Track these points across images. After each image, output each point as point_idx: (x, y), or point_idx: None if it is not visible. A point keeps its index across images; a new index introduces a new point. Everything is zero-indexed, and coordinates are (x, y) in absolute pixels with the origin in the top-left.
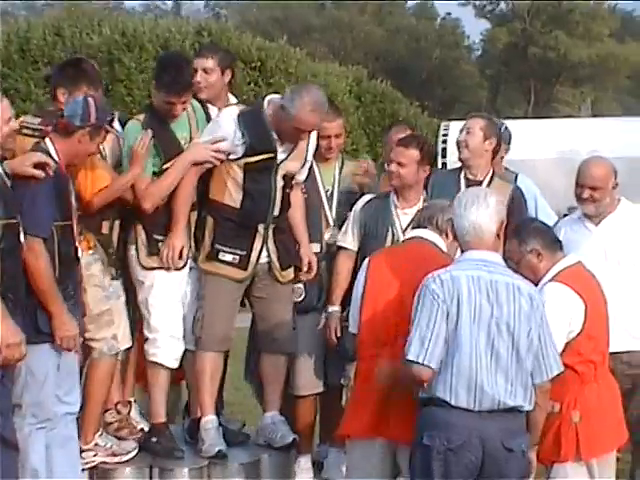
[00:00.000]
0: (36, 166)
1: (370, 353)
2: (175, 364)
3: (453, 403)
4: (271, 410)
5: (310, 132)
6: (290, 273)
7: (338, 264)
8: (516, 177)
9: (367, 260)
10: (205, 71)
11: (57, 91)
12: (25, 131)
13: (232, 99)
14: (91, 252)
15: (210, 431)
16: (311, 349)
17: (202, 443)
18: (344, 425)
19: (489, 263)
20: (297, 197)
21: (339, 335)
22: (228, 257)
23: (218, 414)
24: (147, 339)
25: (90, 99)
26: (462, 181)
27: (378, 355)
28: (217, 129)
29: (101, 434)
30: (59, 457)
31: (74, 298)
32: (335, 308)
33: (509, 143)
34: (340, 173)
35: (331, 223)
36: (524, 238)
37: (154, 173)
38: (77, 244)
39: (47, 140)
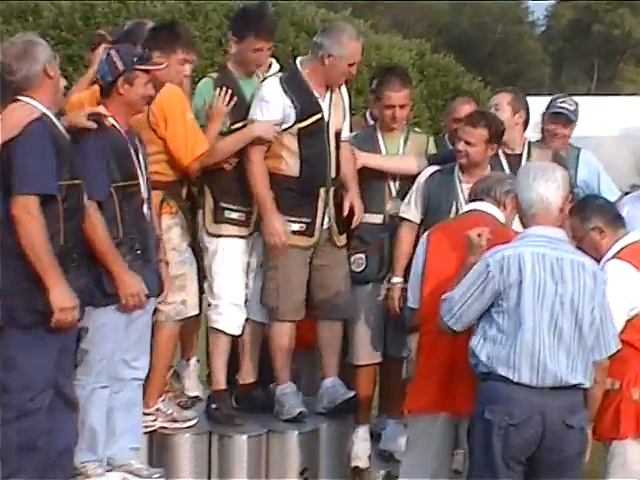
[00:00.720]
0: (90, 119)
1: (432, 327)
2: (237, 331)
3: (515, 380)
4: (330, 375)
5: (355, 66)
6: (344, 237)
7: (401, 235)
8: (579, 153)
9: (426, 234)
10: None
11: (152, 54)
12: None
13: (275, 65)
14: (172, 217)
15: (289, 395)
16: (371, 319)
17: (281, 407)
18: (408, 400)
19: (553, 240)
20: (348, 154)
21: (401, 307)
22: (295, 226)
23: (268, 381)
24: (209, 305)
25: (112, 51)
26: (502, 156)
27: (440, 329)
28: (265, 104)
29: (164, 399)
30: (121, 420)
31: (144, 257)
32: (398, 279)
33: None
34: (405, 145)
35: (394, 194)
36: (586, 216)
37: (221, 133)
38: (145, 204)
39: (100, 107)
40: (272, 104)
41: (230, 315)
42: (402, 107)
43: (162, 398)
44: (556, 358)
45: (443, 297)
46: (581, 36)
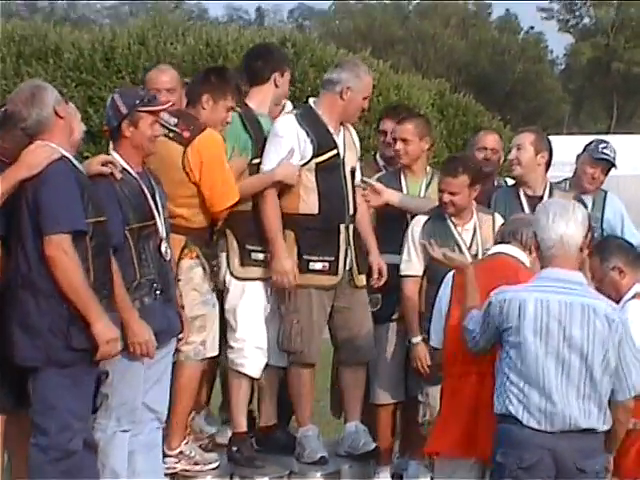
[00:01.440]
0: (103, 166)
1: (457, 370)
2: (259, 375)
3: (524, 422)
4: (353, 419)
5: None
6: (364, 278)
7: (408, 294)
8: (605, 194)
9: (451, 275)
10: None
11: (202, 97)
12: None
13: (289, 105)
14: (193, 259)
15: (311, 438)
16: (390, 358)
17: (302, 450)
18: (432, 443)
19: (567, 283)
20: (362, 200)
21: (429, 365)
22: (318, 265)
23: (288, 422)
24: (232, 348)
25: (115, 95)
26: (523, 198)
27: (465, 373)
28: (278, 139)
29: (187, 442)
30: (142, 463)
31: (164, 297)
32: (418, 338)
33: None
34: (427, 189)
35: None
36: (606, 256)
37: None
38: (164, 243)
39: (111, 151)
40: (285, 139)
41: (254, 358)
42: (404, 141)
43: (185, 441)
44: (565, 401)
45: (469, 315)
46: (600, 74)
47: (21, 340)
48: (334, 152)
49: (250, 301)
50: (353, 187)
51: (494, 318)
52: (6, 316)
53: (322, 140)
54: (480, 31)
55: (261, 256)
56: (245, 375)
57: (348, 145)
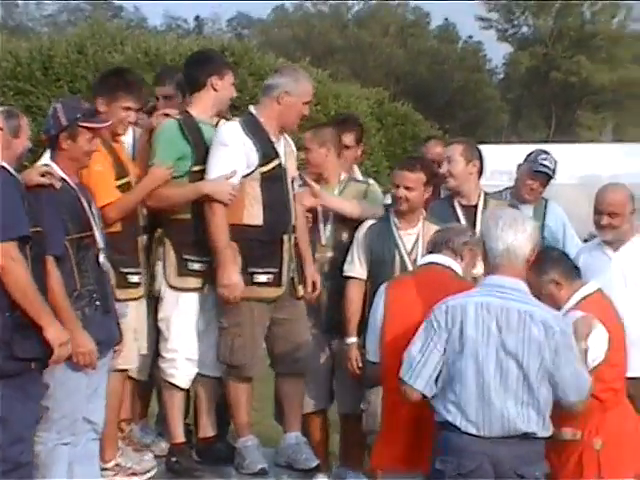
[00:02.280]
0: (42, 176)
1: (394, 385)
2: (188, 385)
3: (463, 429)
4: (293, 430)
5: (308, 105)
6: (301, 289)
7: (349, 295)
8: (546, 203)
9: (383, 287)
10: (166, 98)
11: (96, 101)
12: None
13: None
14: None
15: (250, 448)
16: (316, 367)
17: (242, 460)
18: (375, 457)
19: (507, 289)
20: (300, 209)
21: (360, 366)
22: (263, 278)
23: (226, 432)
24: (164, 358)
25: (58, 104)
26: (457, 208)
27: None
28: (224, 147)
29: (122, 454)
30: (80, 474)
31: (103, 307)
32: (353, 339)
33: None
34: (340, 194)
35: (323, 242)
36: (542, 268)
37: (181, 176)
38: (102, 254)
39: (49, 160)
40: (231, 147)
41: (185, 369)
42: (308, 150)
43: (120, 452)
44: (504, 405)
45: (405, 354)
46: (539, 83)
47: None
48: (277, 162)
49: (184, 311)
50: (294, 196)
51: (441, 329)
52: None
53: (266, 149)
54: (419, 40)
55: (197, 266)
56: (177, 386)
57: (288, 154)
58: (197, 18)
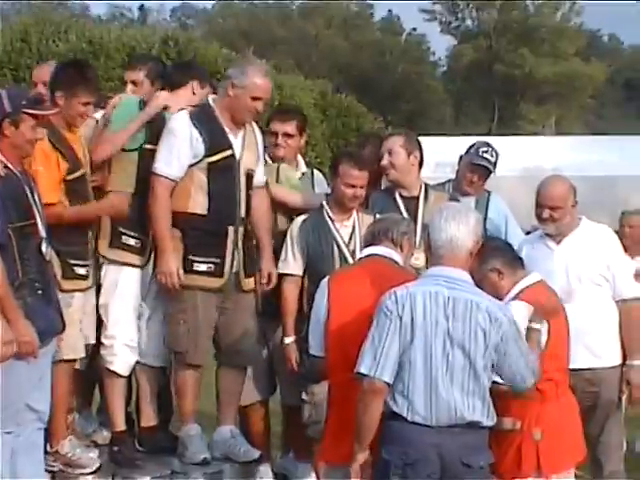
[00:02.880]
0: None
1: (343, 378)
2: (127, 372)
3: (409, 418)
4: (228, 423)
5: (261, 102)
6: (252, 282)
7: (286, 293)
8: (489, 195)
9: (325, 281)
10: (134, 83)
11: (54, 94)
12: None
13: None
14: None
15: (194, 438)
16: (256, 356)
17: (184, 450)
18: (323, 451)
19: (452, 279)
20: (262, 202)
21: (298, 363)
22: (203, 267)
23: (168, 421)
24: (103, 345)
25: (2, 91)
26: (399, 199)
27: (352, 380)
28: (172, 137)
29: (70, 440)
30: (23, 463)
31: (45, 297)
32: (292, 339)
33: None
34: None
35: None
36: (484, 257)
37: (134, 148)
38: (44, 243)
39: None
40: (178, 136)
41: (123, 356)
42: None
43: (68, 439)
44: (450, 394)
45: (359, 358)
46: (482, 76)
47: None
48: (229, 152)
49: (122, 298)
50: (248, 189)
51: (397, 318)
52: None
53: (215, 139)
54: (363, 32)
55: (132, 242)
56: (117, 373)
57: (248, 146)
58: (141, 7)
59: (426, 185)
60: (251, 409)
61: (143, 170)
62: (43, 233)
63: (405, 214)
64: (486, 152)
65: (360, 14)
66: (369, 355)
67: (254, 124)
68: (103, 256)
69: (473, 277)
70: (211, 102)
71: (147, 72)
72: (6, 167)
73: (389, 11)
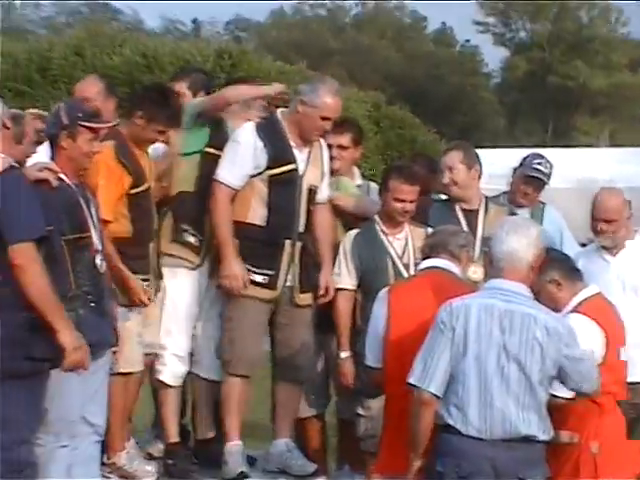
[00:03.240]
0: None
1: (400, 390)
2: (177, 383)
3: (463, 431)
4: (283, 436)
5: (329, 122)
6: (307, 297)
7: (339, 307)
8: (544, 207)
9: (384, 292)
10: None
11: (136, 113)
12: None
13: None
14: None
15: (235, 455)
16: (313, 372)
17: (225, 465)
18: (379, 463)
19: (510, 292)
20: (324, 217)
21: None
22: (258, 278)
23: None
24: (156, 355)
25: (61, 104)
26: (459, 212)
27: (409, 393)
28: (236, 146)
29: (128, 452)
30: (79, 476)
31: (97, 309)
32: (347, 353)
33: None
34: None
35: None
36: (542, 268)
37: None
38: (99, 255)
39: (47, 157)
40: (242, 145)
41: (172, 367)
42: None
43: (126, 450)
44: (505, 407)
45: (411, 372)
46: (536, 88)
47: None
48: (292, 166)
49: (174, 307)
50: (308, 204)
51: (450, 331)
52: None
53: (279, 152)
54: (416, 44)
55: (192, 239)
56: (167, 384)
57: (313, 161)
58: (195, 21)
59: (486, 198)
60: (308, 422)
61: (205, 172)
62: (98, 246)
63: (465, 227)
64: (540, 164)
65: (413, 26)
66: (419, 366)
67: (322, 140)
68: (165, 253)
69: (531, 288)
70: (279, 115)
71: (189, 83)
72: (60, 179)
73: (442, 23)
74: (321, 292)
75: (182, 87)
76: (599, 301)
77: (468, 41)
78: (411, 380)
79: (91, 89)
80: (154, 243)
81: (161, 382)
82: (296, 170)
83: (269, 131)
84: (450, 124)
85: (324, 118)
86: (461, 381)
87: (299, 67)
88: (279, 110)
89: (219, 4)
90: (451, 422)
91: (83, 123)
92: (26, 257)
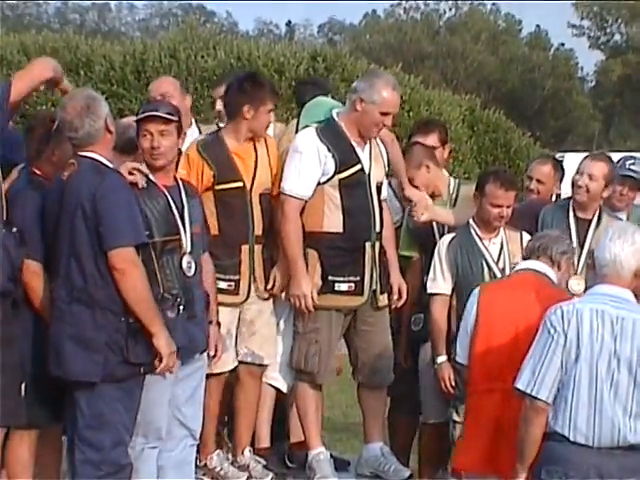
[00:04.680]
0: (130, 174)
1: (481, 388)
2: (286, 390)
3: (571, 439)
4: (376, 441)
5: (389, 117)
6: (386, 298)
7: (435, 313)
8: None
9: (477, 290)
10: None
11: (242, 108)
12: None
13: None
14: None
15: (322, 463)
16: (434, 377)
17: (312, 474)
18: (457, 458)
19: (617, 298)
20: (388, 215)
21: (452, 385)
22: (344, 286)
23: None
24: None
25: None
26: (572, 219)
27: (489, 390)
28: (299, 154)
29: (218, 454)
30: (172, 478)
31: (186, 312)
32: (444, 358)
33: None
34: (455, 200)
35: None
36: None
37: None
38: (186, 258)
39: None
40: (306, 154)
41: (285, 375)
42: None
43: (216, 453)
44: (615, 415)
45: (521, 368)
46: (631, 91)
47: (75, 355)
48: (358, 167)
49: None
50: (380, 203)
51: (559, 334)
52: (55, 331)
53: (344, 155)
54: (510, 47)
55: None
56: (276, 388)
57: (375, 159)
58: (289, 23)
59: (601, 207)
60: (430, 427)
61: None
62: (188, 248)
63: (574, 236)
64: (633, 164)
65: (508, 29)
66: (528, 371)
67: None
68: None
69: (637, 293)
70: (335, 117)
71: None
72: (149, 181)
73: (537, 26)
74: (395, 296)
75: (221, 92)
76: None
77: (563, 44)
78: (519, 385)
79: (167, 87)
80: (246, 246)
81: (271, 386)
82: (362, 170)
83: (330, 134)
84: (544, 128)
85: (383, 113)
86: (572, 387)
87: (394, 70)
88: (334, 111)
89: (313, 5)
90: (558, 429)
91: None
92: (128, 262)
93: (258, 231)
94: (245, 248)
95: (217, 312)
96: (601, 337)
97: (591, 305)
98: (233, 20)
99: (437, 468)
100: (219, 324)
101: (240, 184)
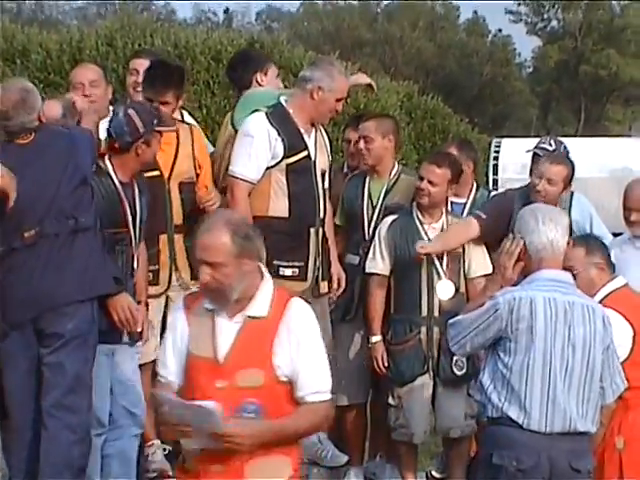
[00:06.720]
0: None
1: None
2: None
3: (525, 426)
4: None
5: (341, 102)
6: (326, 285)
7: (372, 292)
8: (572, 195)
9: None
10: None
11: (166, 95)
12: None
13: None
14: None
15: None
16: (349, 359)
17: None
18: None
19: (563, 284)
20: (328, 204)
21: (385, 364)
22: (288, 271)
23: None
24: None
25: (130, 110)
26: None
27: None
28: (250, 138)
29: (151, 445)
30: (116, 468)
31: None
32: (378, 337)
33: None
34: (392, 187)
35: (367, 238)
36: (591, 249)
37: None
38: (134, 253)
39: (106, 160)
40: (257, 137)
41: None
42: (365, 139)
43: (149, 443)
44: (567, 404)
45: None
46: (568, 77)
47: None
48: (305, 153)
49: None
50: (324, 189)
51: (501, 318)
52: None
53: (293, 140)
54: (448, 33)
55: None
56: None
57: (319, 146)
58: (226, 11)
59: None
60: (349, 410)
61: None
62: (134, 246)
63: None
64: (544, 142)
65: (446, 16)
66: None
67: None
68: None
69: (573, 267)
70: (284, 103)
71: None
72: (108, 175)
73: (475, 12)
74: (335, 285)
75: (144, 65)
76: (626, 293)
77: (500, 31)
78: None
79: (93, 75)
80: (179, 236)
81: None
82: (309, 156)
83: (279, 119)
84: (483, 114)
85: (338, 100)
86: (525, 375)
87: (331, 58)
88: (282, 97)
89: None
90: (512, 415)
91: (157, 129)
92: None
93: (177, 220)
94: (163, 238)
95: (146, 292)
96: (554, 325)
97: (544, 294)
98: (171, 8)
99: (373, 456)
100: (147, 305)
101: (157, 172)
